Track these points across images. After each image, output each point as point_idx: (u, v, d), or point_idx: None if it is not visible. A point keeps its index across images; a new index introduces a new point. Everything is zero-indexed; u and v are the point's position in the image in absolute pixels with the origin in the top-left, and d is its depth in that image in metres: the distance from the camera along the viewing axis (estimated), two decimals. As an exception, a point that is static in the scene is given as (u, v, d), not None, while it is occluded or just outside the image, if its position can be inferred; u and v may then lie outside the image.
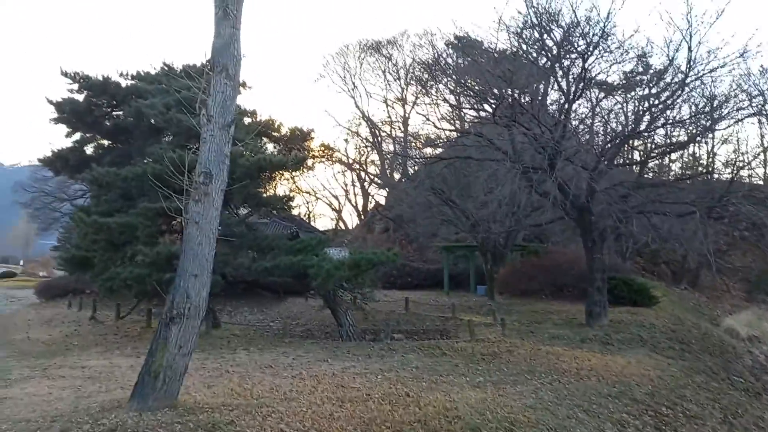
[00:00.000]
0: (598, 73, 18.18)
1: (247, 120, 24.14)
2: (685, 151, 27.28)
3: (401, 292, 26.96)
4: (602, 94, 19.48)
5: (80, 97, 24.18)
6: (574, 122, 18.83)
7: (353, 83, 43.59)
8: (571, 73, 18.10)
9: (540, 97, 21.08)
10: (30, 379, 10.13)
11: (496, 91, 18.57)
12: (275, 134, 27.28)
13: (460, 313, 20.47)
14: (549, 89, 20.88)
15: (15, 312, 25.01)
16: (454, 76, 23.21)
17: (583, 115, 19.69)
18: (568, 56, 18.48)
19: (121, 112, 24.56)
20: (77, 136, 25.43)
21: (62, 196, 45.91)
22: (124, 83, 24.53)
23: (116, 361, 11.88)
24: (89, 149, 25.56)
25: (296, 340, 15.98)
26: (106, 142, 25.60)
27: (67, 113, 23.89)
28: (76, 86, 23.98)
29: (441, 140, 25.78)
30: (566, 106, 17.41)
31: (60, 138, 38.83)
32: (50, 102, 23.95)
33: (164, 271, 14.97)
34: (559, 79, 18.55)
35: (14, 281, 61.64)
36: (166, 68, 25.02)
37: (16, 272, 79.46)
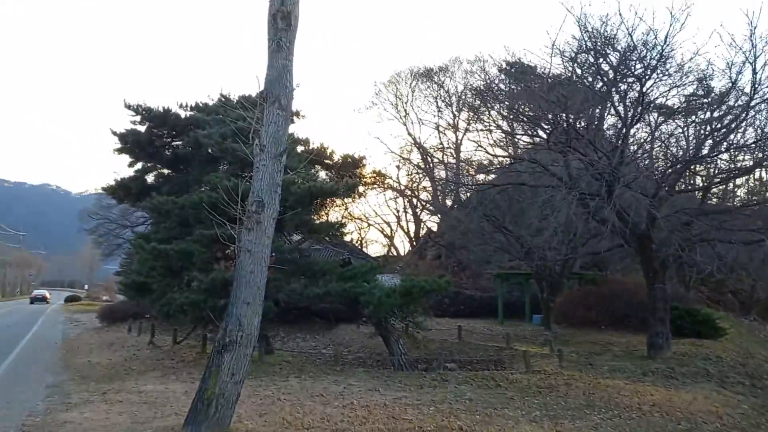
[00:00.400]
0: (657, 97, 17.69)
1: (299, 148, 24.49)
2: (751, 176, 26.11)
3: (454, 320, 26.59)
4: (662, 118, 18.88)
5: (142, 128, 25.05)
6: (632, 147, 18.31)
7: (405, 110, 43.87)
8: (628, 97, 17.67)
9: (596, 122, 20.64)
10: (89, 403, 10.35)
11: (550, 116, 18.28)
12: (327, 162, 27.54)
13: (515, 343, 19.99)
14: (605, 114, 20.42)
15: (78, 336, 25.83)
16: (506, 102, 23.04)
17: (642, 140, 19.14)
18: (625, 80, 18.07)
19: (180, 142, 25.32)
20: (139, 165, 26.29)
21: (125, 223, 47.64)
22: (183, 114, 25.32)
23: (172, 387, 12.03)
24: (150, 178, 26.37)
25: (348, 368, 15.88)
26: (165, 171, 26.37)
27: (130, 144, 24.77)
28: (138, 118, 24.87)
29: (494, 166, 25.53)
30: (624, 131, 16.96)
31: (123, 167, 40.34)
32: (114, 133, 24.90)
33: (219, 297, 15.20)
34: (616, 104, 18.13)
35: (79, 305, 63.98)
36: (222, 99, 25.70)
37: (81, 296, 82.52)
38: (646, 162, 19.82)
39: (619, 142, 16.61)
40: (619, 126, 17.88)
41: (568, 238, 19.93)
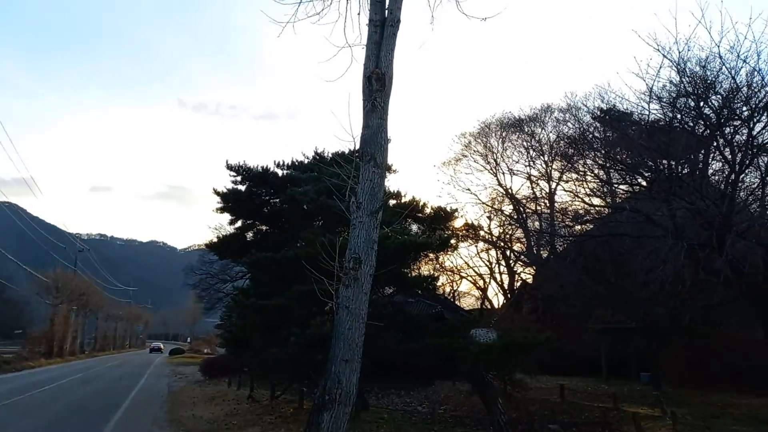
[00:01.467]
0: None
1: (392, 202, 24.77)
2: None
3: (554, 377, 25.46)
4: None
5: (242, 188, 26.23)
6: (742, 194, 17.20)
7: (495, 161, 43.55)
8: (735, 141, 16.73)
9: (700, 168, 19.65)
10: (193, 457, 10.58)
11: (650, 163, 17.59)
12: (419, 215, 27.62)
13: (622, 404, 18.79)
14: (710, 159, 19.39)
15: (182, 389, 26.74)
16: (602, 150, 22.41)
17: (754, 186, 17.95)
18: (729, 124, 17.17)
19: (277, 200, 26.26)
20: (239, 222, 27.44)
21: (225, 278, 49.50)
22: (280, 173, 26.32)
23: (270, 443, 12.12)
24: (249, 235, 27.40)
25: (445, 428, 15.44)
26: (264, 228, 27.35)
27: (231, 202, 25.94)
28: (239, 177, 26.10)
29: (591, 216, 24.71)
30: (732, 177, 16.00)
31: (224, 223, 42.34)
32: (217, 193, 26.19)
33: (316, 353, 15.31)
34: (722, 148, 17.20)
35: (182, 357, 66.62)
36: (317, 157, 26.56)
37: (184, 349, 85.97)
38: (759, 209, 18.54)
39: (728, 189, 15.64)
40: (727, 172, 16.89)
41: (676, 290, 18.75)
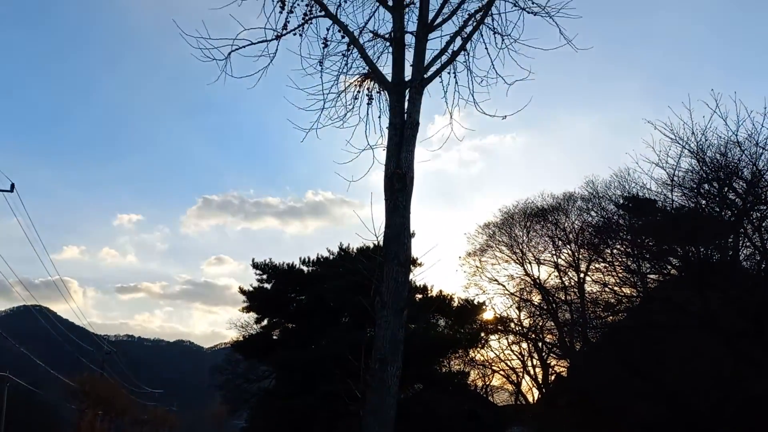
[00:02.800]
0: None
1: (418, 296, 24.64)
2: None
3: (595, 478, 24.05)
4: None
5: (268, 286, 26.48)
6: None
7: (521, 251, 43.28)
8: (763, 226, 16.54)
9: (730, 254, 19.32)
10: None
11: (678, 250, 17.38)
12: (446, 309, 27.38)
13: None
14: (740, 245, 19.10)
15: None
16: (629, 237, 22.26)
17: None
18: (756, 208, 17.04)
19: (303, 297, 26.35)
20: (265, 321, 27.47)
21: (251, 377, 48.73)
22: (306, 270, 26.60)
23: None
24: (275, 333, 27.34)
25: None
26: (290, 325, 27.31)
27: (257, 301, 26.11)
28: (265, 276, 26.41)
29: (623, 305, 24.20)
30: (764, 264, 15.69)
31: (250, 321, 42.34)
32: (243, 292, 26.49)
33: (343, 458, 14.84)
34: (750, 234, 16.98)
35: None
36: (342, 253, 26.87)
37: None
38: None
39: (762, 275, 15.31)
40: (758, 257, 16.60)
41: (716, 382, 17.94)
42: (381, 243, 9.21)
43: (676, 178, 20.55)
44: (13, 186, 29.31)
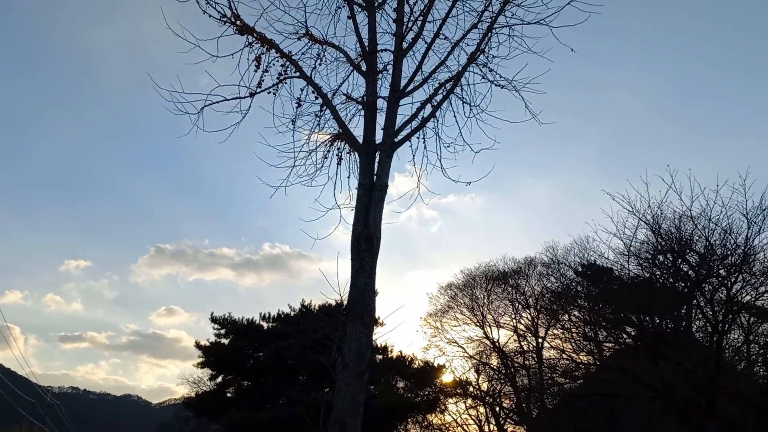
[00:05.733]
0: (751, 299, 16.95)
1: (378, 357, 24.38)
2: None
3: None
4: (756, 320, 17.94)
5: (226, 341, 25.83)
6: (727, 353, 17.22)
7: (482, 313, 43.42)
8: (715, 299, 17.07)
9: (683, 325, 19.80)
10: None
11: (633, 318, 17.74)
12: (406, 370, 27.09)
13: None
14: (693, 316, 19.61)
15: None
16: (586, 304, 22.63)
17: (738, 344, 18.01)
18: (708, 281, 17.62)
19: (261, 354, 25.77)
20: (219, 378, 26.67)
21: (201, 437, 46.93)
22: (265, 326, 26.10)
23: None
24: (230, 391, 26.52)
25: None
26: (245, 383, 26.53)
27: (213, 357, 25.41)
28: (223, 331, 25.80)
29: (579, 372, 24.36)
30: (716, 337, 16.12)
31: (203, 377, 41.08)
32: (198, 347, 25.72)
33: None
34: (703, 306, 17.49)
35: None
36: (303, 310, 26.52)
37: None
38: (745, 367, 18.45)
39: (713, 347, 15.70)
40: (710, 330, 17.04)
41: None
42: (345, 301, 9.22)
43: (632, 249, 21.19)
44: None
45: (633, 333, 18.72)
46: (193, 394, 35.05)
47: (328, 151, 10.44)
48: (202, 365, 25.77)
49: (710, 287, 17.41)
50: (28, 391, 60.51)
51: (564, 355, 29.04)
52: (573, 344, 26.86)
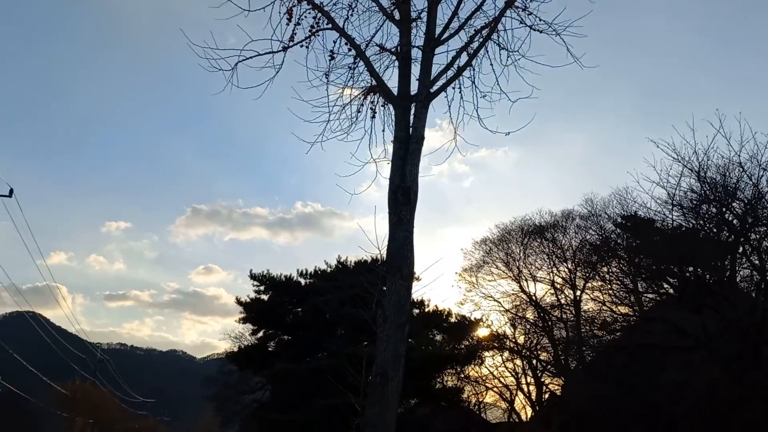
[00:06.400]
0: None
1: (415, 311, 24.56)
2: None
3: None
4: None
5: (265, 297, 26.32)
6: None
7: (518, 268, 43.22)
8: (762, 247, 16.59)
9: (728, 274, 19.36)
10: None
11: (676, 270, 17.40)
12: (443, 324, 27.28)
13: None
14: (737, 266, 19.14)
15: None
16: (626, 256, 22.28)
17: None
18: (755, 229, 17.10)
19: (300, 309, 26.22)
20: (261, 332, 27.29)
21: (244, 389, 48.37)
22: (303, 282, 26.46)
23: None
24: (271, 345, 27.15)
25: None
26: (286, 337, 27.11)
27: (254, 312, 25.95)
28: (262, 287, 26.25)
29: (619, 324, 24.17)
30: (763, 285, 15.72)
31: (245, 333, 42.23)
32: (239, 303, 26.29)
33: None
34: (749, 254, 17.04)
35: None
36: (340, 266, 26.78)
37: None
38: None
39: (760, 297, 15.33)
40: (757, 279, 16.64)
41: (713, 405, 17.88)
42: (383, 256, 9.20)
43: (676, 198, 20.64)
44: (11, 191, 29.23)
45: (675, 284, 18.35)
46: (235, 349, 36.07)
47: (362, 105, 10.29)
48: (244, 320, 26.38)
49: (757, 235, 16.93)
50: (78, 348, 63.01)
51: (603, 308, 28.82)
52: (612, 297, 26.62)
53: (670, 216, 18.44)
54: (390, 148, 9.55)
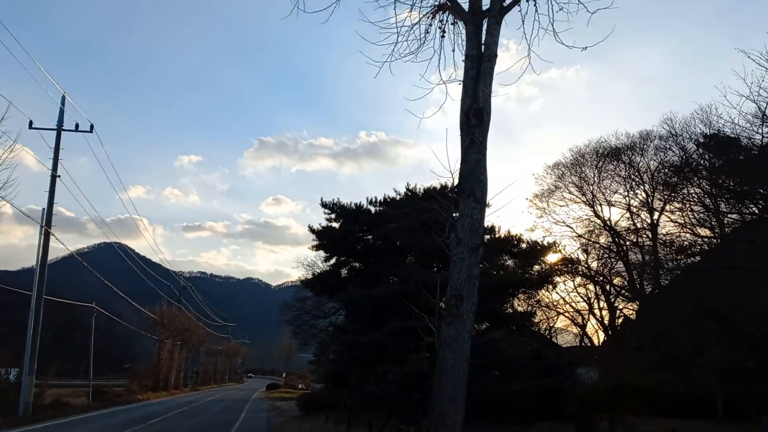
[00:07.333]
0: None
1: (486, 237, 24.46)
2: None
3: (665, 419, 23.87)
4: None
5: (336, 225, 26.80)
6: None
7: (591, 192, 42.12)
8: None
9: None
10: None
11: (762, 191, 16.47)
12: (514, 250, 27.09)
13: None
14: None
15: (281, 424, 27.11)
16: (709, 177, 21.26)
17: None
18: None
19: (370, 237, 26.60)
20: (333, 260, 27.98)
21: (319, 314, 50.29)
22: (373, 210, 26.72)
23: (371, 483, 12.02)
24: (344, 272, 27.85)
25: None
26: (357, 265, 27.73)
27: (326, 240, 26.54)
28: (333, 215, 26.71)
29: (698, 246, 23.36)
30: None
31: (317, 261, 43.55)
32: (312, 231, 26.90)
33: (413, 391, 15.19)
34: None
35: (278, 392, 67.94)
36: (409, 193, 26.80)
37: (280, 384, 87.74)
38: None
39: None
40: None
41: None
42: (455, 181, 9.09)
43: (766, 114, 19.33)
44: (92, 126, 30.42)
45: (761, 204, 17.43)
46: (309, 276, 37.29)
47: (431, 25, 9.95)
48: (316, 248, 27.06)
49: None
50: (163, 275, 66.73)
51: (682, 230, 27.82)
52: (692, 218, 25.63)
53: (760, 132, 17.32)
54: (460, 69, 9.27)
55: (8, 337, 31.13)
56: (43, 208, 27.98)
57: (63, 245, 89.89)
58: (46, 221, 27.78)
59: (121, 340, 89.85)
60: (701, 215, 25.37)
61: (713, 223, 25.66)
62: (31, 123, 28.20)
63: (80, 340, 65.78)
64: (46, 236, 27.84)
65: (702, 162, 24.65)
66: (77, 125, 29.70)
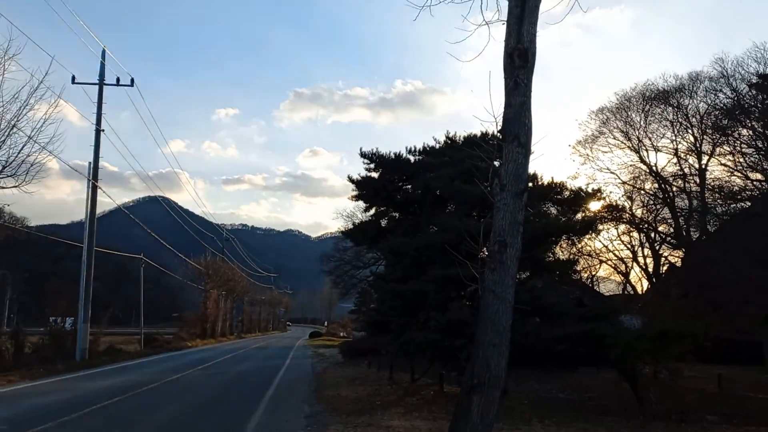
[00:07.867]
0: None
1: (529, 185, 24.10)
2: None
3: (710, 366, 23.66)
4: None
5: (375, 175, 26.71)
6: None
7: (637, 137, 40.87)
8: None
9: None
10: (345, 436, 11.00)
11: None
12: (558, 197, 26.63)
13: (791, 397, 17.09)
14: None
15: (324, 370, 27.94)
16: (761, 119, 20.40)
17: None
18: None
19: (410, 186, 26.49)
20: (373, 210, 28.03)
21: (359, 264, 50.95)
22: (412, 159, 26.50)
23: (416, 424, 12.34)
24: (383, 222, 27.91)
25: (592, 416, 14.85)
26: (397, 215, 27.72)
27: (366, 190, 26.54)
28: (372, 165, 26.60)
29: (749, 192, 22.62)
30: None
31: (356, 211, 43.78)
32: (351, 180, 26.90)
33: (455, 337, 15.33)
34: None
35: (320, 340, 69.71)
36: (449, 141, 26.45)
37: (322, 332, 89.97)
38: None
39: None
40: None
41: None
42: (498, 125, 8.90)
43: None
44: (132, 80, 30.76)
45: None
46: (349, 226, 37.62)
47: (471, -37, 9.61)
48: (356, 198, 27.11)
49: None
50: (206, 228, 68.24)
51: (732, 175, 26.91)
52: (743, 162, 24.74)
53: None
54: (503, 11, 8.95)
55: (63, 288, 32.47)
56: (90, 162, 28.67)
57: (110, 198, 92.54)
58: (93, 174, 28.49)
59: (168, 291, 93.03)
60: (753, 159, 24.45)
61: (765, 166, 24.71)
62: (73, 78, 28.64)
63: (130, 290, 68.30)
64: (94, 190, 28.60)
65: (755, 104, 23.61)
66: (118, 79, 30.11)
